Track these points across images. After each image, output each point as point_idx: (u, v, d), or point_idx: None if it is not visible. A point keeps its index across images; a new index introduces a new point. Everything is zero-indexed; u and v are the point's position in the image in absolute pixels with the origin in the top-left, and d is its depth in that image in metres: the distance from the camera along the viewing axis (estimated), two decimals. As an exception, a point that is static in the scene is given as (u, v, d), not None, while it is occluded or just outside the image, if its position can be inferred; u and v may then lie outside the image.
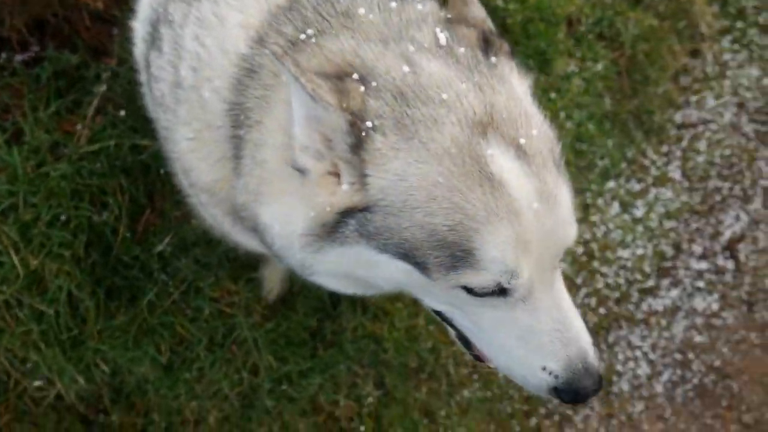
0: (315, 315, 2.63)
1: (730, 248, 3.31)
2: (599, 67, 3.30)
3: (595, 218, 3.23)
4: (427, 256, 1.08)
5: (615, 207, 3.28)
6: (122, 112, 2.47)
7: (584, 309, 3.08)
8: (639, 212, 3.30)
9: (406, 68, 1.11)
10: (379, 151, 1.07)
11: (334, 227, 1.13)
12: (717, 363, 3.08)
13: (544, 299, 1.16)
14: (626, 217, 3.28)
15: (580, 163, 3.25)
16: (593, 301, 3.10)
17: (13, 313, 2.17)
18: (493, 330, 1.21)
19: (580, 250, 3.15)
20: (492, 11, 3.12)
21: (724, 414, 3.01)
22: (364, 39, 1.17)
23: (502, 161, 1.07)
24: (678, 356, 3.09)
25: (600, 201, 3.27)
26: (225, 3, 1.33)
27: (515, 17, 3.14)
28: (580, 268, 3.13)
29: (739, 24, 3.70)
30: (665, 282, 3.22)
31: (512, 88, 1.17)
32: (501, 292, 1.13)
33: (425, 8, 1.26)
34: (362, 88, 1.09)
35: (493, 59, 1.18)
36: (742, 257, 3.29)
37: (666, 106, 3.47)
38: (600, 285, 3.13)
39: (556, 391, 1.23)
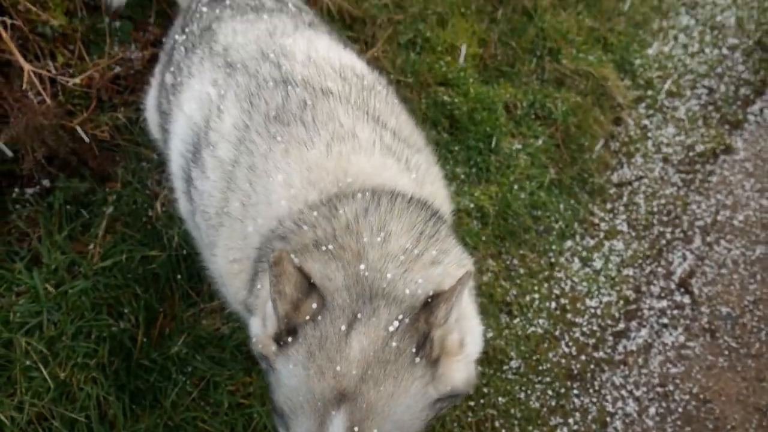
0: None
1: (684, 285, 3.66)
2: (539, 142, 3.74)
3: (560, 275, 3.54)
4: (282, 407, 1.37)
5: (576, 263, 3.62)
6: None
7: (567, 358, 3.32)
8: (598, 264, 3.64)
9: (344, 327, 1.33)
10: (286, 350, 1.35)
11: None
12: (695, 390, 3.32)
13: None
14: (587, 270, 3.61)
15: (539, 228, 3.60)
16: (573, 350, 3.35)
17: (46, 426, 2.26)
18: None
19: (553, 305, 3.44)
20: (441, 105, 3.57)
21: (712, 436, 3.23)
22: (347, 276, 1.39)
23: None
24: (660, 389, 3.33)
25: (562, 259, 3.61)
26: (273, 165, 1.60)
27: (462, 108, 3.57)
28: (556, 321, 3.40)
29: (650, 92, 4.28)
30: (633, 323, 3.52)
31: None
32: None
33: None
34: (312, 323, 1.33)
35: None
36: (695, 291, 3.64)
37: (602, 168, 3.93)
38: (577, 334, 3.40)
39: None
